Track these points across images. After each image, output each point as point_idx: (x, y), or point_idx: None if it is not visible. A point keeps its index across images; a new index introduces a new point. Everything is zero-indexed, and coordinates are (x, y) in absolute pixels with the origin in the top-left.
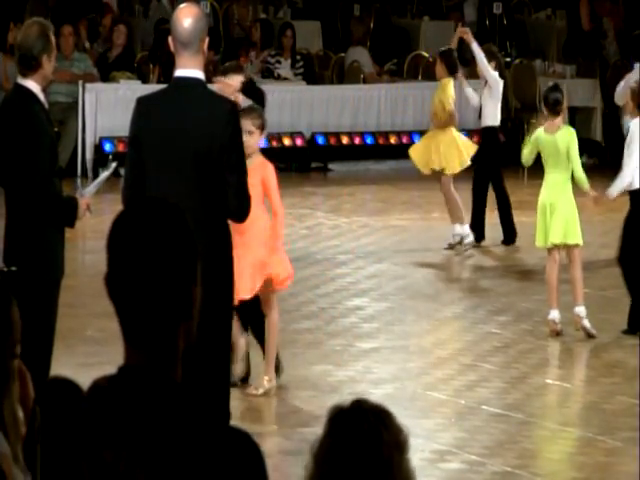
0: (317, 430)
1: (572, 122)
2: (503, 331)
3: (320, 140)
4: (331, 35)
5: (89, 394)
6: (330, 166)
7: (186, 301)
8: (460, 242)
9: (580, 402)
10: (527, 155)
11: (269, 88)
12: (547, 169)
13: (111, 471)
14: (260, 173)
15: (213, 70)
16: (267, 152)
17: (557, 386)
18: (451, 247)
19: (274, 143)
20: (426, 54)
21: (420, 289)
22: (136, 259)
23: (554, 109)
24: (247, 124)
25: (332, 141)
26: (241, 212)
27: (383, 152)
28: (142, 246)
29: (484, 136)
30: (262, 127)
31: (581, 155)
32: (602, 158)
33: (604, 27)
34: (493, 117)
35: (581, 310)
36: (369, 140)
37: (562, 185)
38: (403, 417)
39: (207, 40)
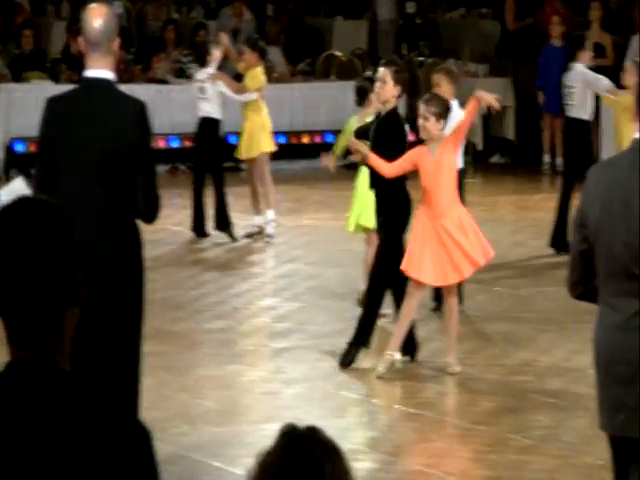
0: (229, 430)
1: (485, 121)
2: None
3: (232, 140)
4: None
5: None
6: (242, 166)
7: (71, 287)
8: (260, 232)
9: (493, 400)
10: (341, 143)
11: (181, 88)
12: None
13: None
14: (446, 153)
15: (125, 69)
16: (167, 152)
17: (469, 385)
18: (249, 236)
19: (187, 143)
20: (339, 53)
21: (332, 289)
22: (14, 252)
23: (362, 98)
24: (423, 110)
25: None
26: (150, 213)
27: (296, 152)
28: (19, 239)
29: (203, 128)
30: (439, 115)
31: (494, 154)
32: (515, 157)
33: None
34: (218, 112)
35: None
36: (282, 140)
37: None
38: (315, 417)
39: (118, 40)
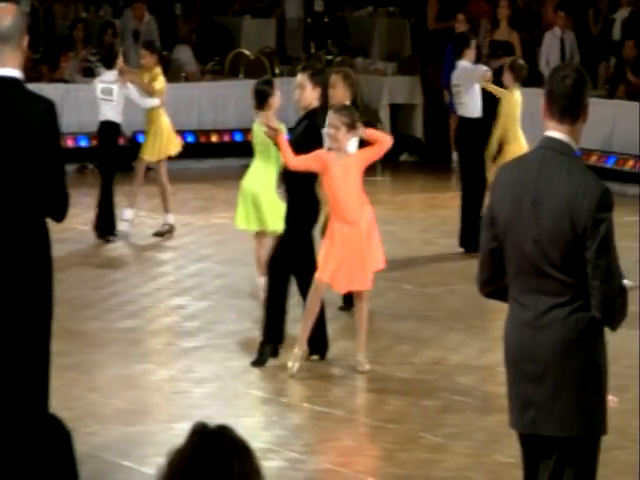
0: (139, 429)
1: (394, 119)
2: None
3: (141, 139)
4: None
5: None
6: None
7: None
8: (170, 230)
9: (403, 399)
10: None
11: (89, 87)
12: (255, 158)
13: None
14: (356, 163)
15: (31, 69)
16: (75, 152)
17: (378, 383)
18: (159, 234)
19: (95, 142)
20: (247, 52)
21: (241, 288)
22: None
23: (261, 101)
24: (335, 119)
25: None
26: (59, 212)
27: (205, 151)
28: None
29: (105, 133)
30: (350, 125)
31: (402, 152)
32: (423, 155)
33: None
34: (120, 116)
35: None
36: (190, 138)
37: (268, 175)
38: (225, 416)
39: (27, 39)
